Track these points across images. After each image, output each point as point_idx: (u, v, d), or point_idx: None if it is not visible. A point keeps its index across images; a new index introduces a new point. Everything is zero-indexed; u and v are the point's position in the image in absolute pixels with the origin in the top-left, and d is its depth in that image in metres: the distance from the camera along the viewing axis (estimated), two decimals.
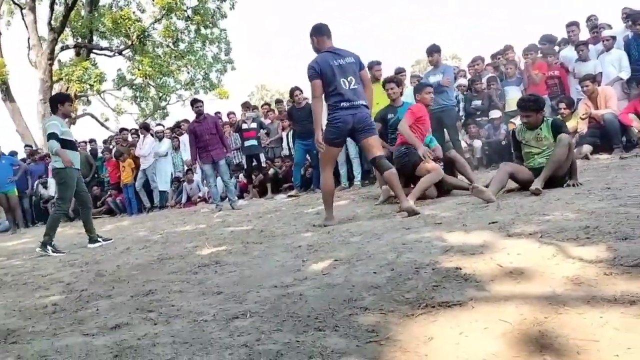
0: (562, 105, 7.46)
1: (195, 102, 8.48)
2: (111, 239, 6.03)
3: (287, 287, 2.56)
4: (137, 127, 12.89)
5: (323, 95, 4.63)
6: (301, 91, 9.17)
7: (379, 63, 8.31)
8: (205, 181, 9.76)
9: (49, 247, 5.58)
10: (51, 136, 5.69)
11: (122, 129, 12.93)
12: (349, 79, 4.54)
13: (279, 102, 11.66)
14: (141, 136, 11.26)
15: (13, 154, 12.33)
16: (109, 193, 11.82)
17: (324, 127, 4.76)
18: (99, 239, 5.89)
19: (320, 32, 4.71)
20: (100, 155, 12.67)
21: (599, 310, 1.70)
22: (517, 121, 6.65)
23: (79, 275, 3.88)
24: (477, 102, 8.77)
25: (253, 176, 10.24)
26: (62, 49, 18.42)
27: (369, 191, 7.30)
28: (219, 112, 11.77)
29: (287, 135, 10.16)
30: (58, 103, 5.97)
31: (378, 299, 2.15)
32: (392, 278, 2.43)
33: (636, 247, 2.28)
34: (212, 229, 5.82)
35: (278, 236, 4.45)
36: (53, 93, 17.67)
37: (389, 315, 1.94)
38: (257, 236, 4.63)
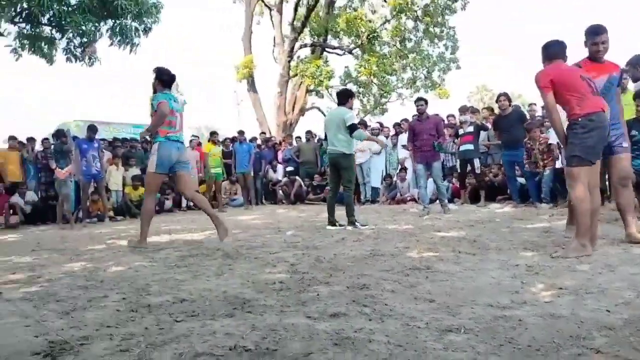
0: None
1: (418, 101, 8.47)
2: (367, 224, 6.55)
3: (504, 309, 2.45)
4: None
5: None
6: (507, 97, 8.71)
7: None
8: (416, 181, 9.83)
9: (357, 224, 6.44)
10: (355, 126, 6.49)
11: None
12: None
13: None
14: None
15: (253, 140, 14.03)
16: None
17: None
18: (356, 223, 6.48)
19: None
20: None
21: None
22: None
23: (300, 258, 4.25)
24: None
25: (466, 182, 9.98)
26: (300, 47, 20.25)
27: (600, 212, 6.52)
28: (437, 114, 11.73)
29: None
30: (349, 97, 6.80)
31: (612, 342, 1.92)
32: (630, 321, 2.15)
33: None
34: (422, 231, 5.84)
35: (492, 250, 4.27)
36: (289, 87, 19.61)
37: None
38: (469, 246, 4.51)
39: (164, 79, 5.44)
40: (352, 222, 6.50)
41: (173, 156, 5.34)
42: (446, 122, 10.95)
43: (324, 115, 23.08)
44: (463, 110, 10.47)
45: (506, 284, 2.97)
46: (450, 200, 9.83)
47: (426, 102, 8.45)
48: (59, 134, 9.20)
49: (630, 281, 2.84)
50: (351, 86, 22.52)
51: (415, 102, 8.52)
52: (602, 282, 2.88)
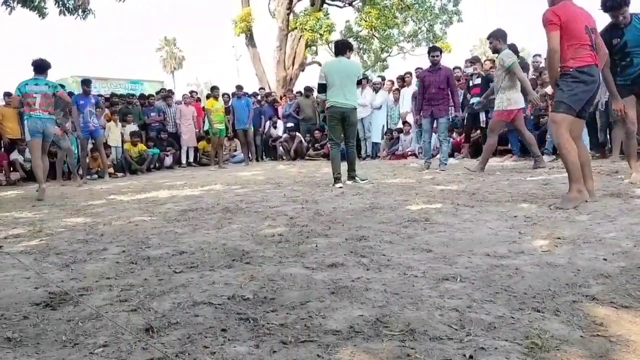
0: None
1: (432, 50, 7.95)
2: (366, 179, 6.53)
3: (501, 258, 2.46)
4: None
5: None
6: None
7: None
8: (421, 136, 9.74)
9: (356, 178, 6.49)
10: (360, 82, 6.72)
11: None
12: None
13: None
14: (360, 87, 11.68)
15: (252, 95, 13.84)
16: None
17: None
18: (356, 178, 6.51)
19: None
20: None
21: None
22: None
23: (300, 212, 4.26)
24: None
25: (470, 135, 9.91)
26: None
27: (600, 165, 6.51)
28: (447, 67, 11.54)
29: None
30: (347, 48, 6.60)
31: (608, 289, 1.93)
32: (627, 269, 2.16)
33: None
34: (422, 185, 5.83)
35: (491, 202, 4.26)
36: (288, 41, 19.19)
37: (622, 310, 1.73)
38: (468, 198, 4.51)
39: (33, 67, 6.80)
40: (352, 177, 6.45)
41: (39, 127, 6.70)
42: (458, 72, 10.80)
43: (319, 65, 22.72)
44: (473, 61, 10.26)
45: (504, 235, 2.97)
46: (451, 155, 9.83)
47: (441, 52, 8.02)
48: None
49: (629, 231, 2.84)
50: (352, 41, 22.09)
51: (429, 52, 7.96)
52: (600, 232, 2.88)
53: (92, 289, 2.29)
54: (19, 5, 8.87)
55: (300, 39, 19.36)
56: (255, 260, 2.67)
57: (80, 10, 9.38)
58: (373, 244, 2.90)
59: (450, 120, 8.50)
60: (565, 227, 3.07)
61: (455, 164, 8.53)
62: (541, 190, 4.75)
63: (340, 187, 6.00)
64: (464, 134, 10.20)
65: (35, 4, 8.95)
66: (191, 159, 12.80)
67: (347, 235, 3.19)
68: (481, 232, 3.09)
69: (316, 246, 2.92)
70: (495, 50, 6.79)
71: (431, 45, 19.80)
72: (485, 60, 11.13)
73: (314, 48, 20.94)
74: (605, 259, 2.32)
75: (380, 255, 2.64)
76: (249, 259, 2.72)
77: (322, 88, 6.41)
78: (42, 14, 9.24)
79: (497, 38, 6.70)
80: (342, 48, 6.53)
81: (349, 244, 2.93)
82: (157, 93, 13.75)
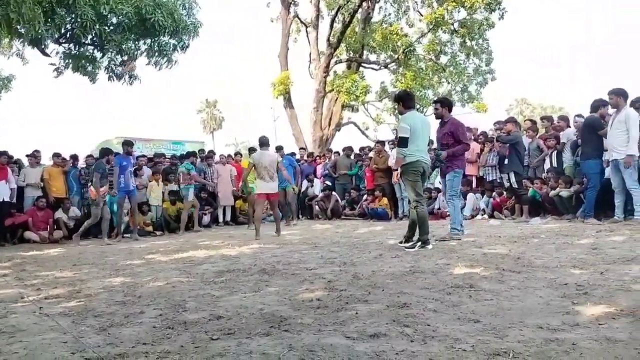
0: None
1: (434, 103, 7.15)
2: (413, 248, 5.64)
3: (555, 331, 2.30)
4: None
5: None
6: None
7: None
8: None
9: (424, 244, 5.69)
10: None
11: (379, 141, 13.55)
12: None
13: (546, 119, 10.84)
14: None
15: (292, 154, 13.97)
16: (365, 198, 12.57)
17: None
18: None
19: None
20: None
21: None
22: None
23: (338, 275, 4.16)
24: None
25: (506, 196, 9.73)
26: (337, 62, 20.29)
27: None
28: (475, 128, 11.55)
29: (551, 155, 9.34)
30: (414, 101, 6.18)
31: None
32: None
33: None
34: (463, 247, 5.65)
35: (538, 267, 4.07)
36: (325, 103, 19.64)
37: None
38: (514, 263, 4.32)
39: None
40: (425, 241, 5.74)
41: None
42: (490, 133, 10.79)
43: (360, 130, 23.00)
44: (507, 121, 10.20)
45: (556, 305, 2.81)
46: (491, 216, 9.68)
47: (443, 104, 6.82)
48: (106, 152, 9.17)
49: None
50: (387, 101, 22.44)
51: (433, 104, 7.28)
52: None
53: (129, 355, 2.25)
54: (74, 71, 9.41)
55: (336, 100, 19.80)
56: (293, 328, 2.58)
57: (127, 76, 9.88)
58: (416, 312, 2.78)
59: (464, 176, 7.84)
60: (621, 297, 2.88)
61: (497, 225, 8.30)
62: (591, 256, 4.52)
63: (431, 248, 5.59)
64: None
65: (87, 70, 9.48)
66: (228, 218, 12.88)
67: (388, 301, 3.08)
68: (531, 301, 2.93)
69: (356, 313, 2.82)
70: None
71: (466, 105, 19.97)
72: (525, 120, 11.09)
73: (354, 107, 21.31)
74: None
75: (424, 325, 2.52)
76: (287, 326, 2.64)
77: (405, 142, 5.75)
78: (93, 80, 9.76)
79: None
80: (413, 101, 6.12)
81: (390, 312, 2.82)
82: (199, 151, 14.09)
